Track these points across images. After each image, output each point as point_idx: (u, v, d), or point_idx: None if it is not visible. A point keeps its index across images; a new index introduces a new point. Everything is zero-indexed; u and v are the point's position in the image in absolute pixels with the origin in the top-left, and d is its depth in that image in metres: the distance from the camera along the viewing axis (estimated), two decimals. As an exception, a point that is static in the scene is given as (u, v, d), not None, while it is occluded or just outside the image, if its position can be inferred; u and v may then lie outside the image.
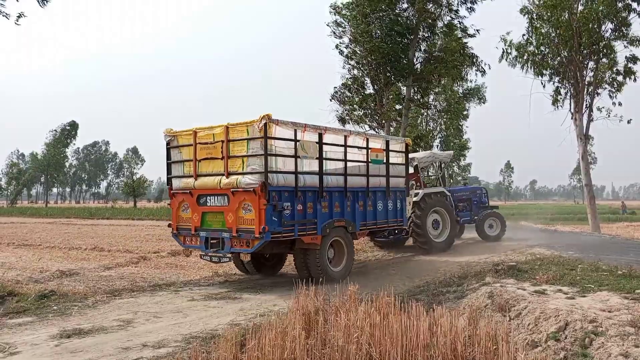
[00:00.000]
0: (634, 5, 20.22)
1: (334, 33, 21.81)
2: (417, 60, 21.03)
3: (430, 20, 20.67)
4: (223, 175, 8.78)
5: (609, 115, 21.06)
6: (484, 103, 33.09)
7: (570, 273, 7.81)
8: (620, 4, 20.24)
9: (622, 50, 21.05)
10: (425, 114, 31.94)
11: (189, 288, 9.15)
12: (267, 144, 8.31)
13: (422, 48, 21.40)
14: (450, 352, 5.24)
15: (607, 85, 21.41)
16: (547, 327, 5.32)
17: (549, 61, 21.63)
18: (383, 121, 21.81)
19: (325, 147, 9.52)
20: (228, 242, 8.70)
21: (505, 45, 22.10)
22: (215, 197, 9.04)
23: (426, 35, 21.16)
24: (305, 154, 9.04)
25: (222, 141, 8.75)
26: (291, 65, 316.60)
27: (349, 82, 22.55)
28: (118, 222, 32.22)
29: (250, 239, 8.43)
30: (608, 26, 20.65)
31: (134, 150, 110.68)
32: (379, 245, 15.24)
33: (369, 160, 10.63)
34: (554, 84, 21.91)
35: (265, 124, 8.22)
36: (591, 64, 21.27)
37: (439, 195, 14.49)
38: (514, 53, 22.00)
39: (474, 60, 21.10)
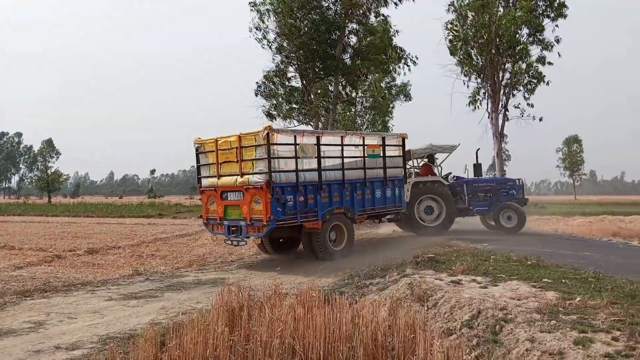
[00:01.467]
0: (548, 11, 21.70)
1: (256, 30, 21.75)
2: (346, 55, 21.33)
3: (358, 15, 21.04)
4: (238, 175, 10.65)
5: (522, 115, 22.44)
6: (409, 100, 34.06)
7: (484, 264, 8.21)
8: (535, 12, 21.59)
9: (536, 54, 22.56)
10: (353, 110, 32.50)
11: (106, 287, 8.78)
12: (270, 149, 10.10)
13: (351, 44, 21.74)
14: (372, 342, 5.37)
15: (522, 87, 22.82)
16: (462, 316, 5.59)
17: (473, 62, 22.70)
18: (312, 116, 21.96)
19: (323, 148, 11.20)
20: (244, 229, 10.63)
21: (446, 30, 22.94)
22: (234, 193, 10.97)
23: (355, 28, 21.52)
24: (304, 155, 10.81)
25: (237, 147, 10.62)
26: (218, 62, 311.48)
27: (271, 75, 22.47)
28: (31, 218, 30.28)
29: (260, 226, 10.30)
30: (524, 31, 21.98)
31: (49, 143, 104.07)
32: (399, 226, 16.80)
33: (366, 155, 12.26)
34: (476, 84, 23.06)
35: (267, 133, 10.04)
36: (508, 66, 22.53)
37: (433, 184, 15.41)
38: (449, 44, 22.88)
39: (401, 54, 21.71)
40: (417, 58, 22.71)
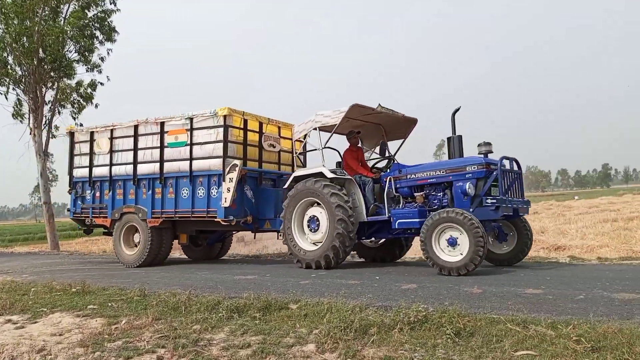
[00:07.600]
0: (98, 33, 21.48)
1: None
2: None
3: None
4: None
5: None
6: None
7: (23, 298, 7.14)
8: (87, 32, 21.02)
9: (84, 74, 22.07)
10: None
11: None
12: (74, 147, 11.49)
13: None
14: None
15: (69, 105, 21.94)
16: (-9, 369, 4.63)
17: (10, 70, 20.11)
18: None
19: (116, 141, 10.78)
20: None
21: None
22: None
23: None
24: (99, 150, 10.98)
25: None
26: None
27: None
28: None
29: None
30: (72, 47, 21.07)
31: None
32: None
33: (165, 144, 10.17)
34: (16, 95, 20.63)
35: (70, 132, 11.67)
36: (55, 82, 21.15)
37: (311, 182, 8.67)
38: None
39: None
40: None
